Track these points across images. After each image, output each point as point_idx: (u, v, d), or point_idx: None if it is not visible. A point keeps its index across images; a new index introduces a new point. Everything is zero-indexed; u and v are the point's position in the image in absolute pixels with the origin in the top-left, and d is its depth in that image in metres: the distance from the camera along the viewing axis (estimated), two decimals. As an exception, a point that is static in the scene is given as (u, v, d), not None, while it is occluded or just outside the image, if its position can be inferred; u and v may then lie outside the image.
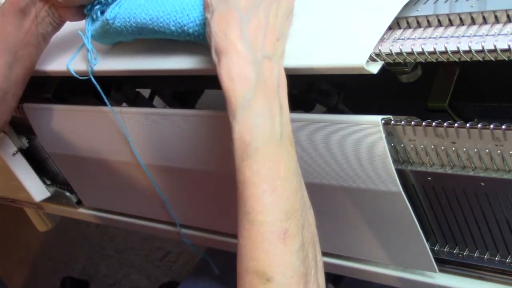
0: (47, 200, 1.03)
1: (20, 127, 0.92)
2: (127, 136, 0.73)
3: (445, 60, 0.49)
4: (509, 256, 0.57)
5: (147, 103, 0.93)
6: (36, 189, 1.01)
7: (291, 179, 0.48)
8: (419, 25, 0.52)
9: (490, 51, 0.46)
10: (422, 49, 0.49)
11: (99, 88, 0.68)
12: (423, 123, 0.52)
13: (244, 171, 0.48)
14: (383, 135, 0.53)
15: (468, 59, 0.48)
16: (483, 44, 0.46)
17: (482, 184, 0.53)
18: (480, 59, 0.47)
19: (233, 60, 0.49)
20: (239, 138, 0.48)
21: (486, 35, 0.47)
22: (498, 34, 0.46)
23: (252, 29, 0.50)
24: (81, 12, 0.68)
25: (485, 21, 0.48)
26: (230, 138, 0.49)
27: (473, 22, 0.49)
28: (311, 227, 0.50)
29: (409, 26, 0.52)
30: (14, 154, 0.95)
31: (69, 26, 0.73)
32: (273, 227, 0.46)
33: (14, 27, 0.67)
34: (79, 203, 1.00)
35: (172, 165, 0.73)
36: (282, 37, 0.53)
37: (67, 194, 1.00)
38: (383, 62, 0.51)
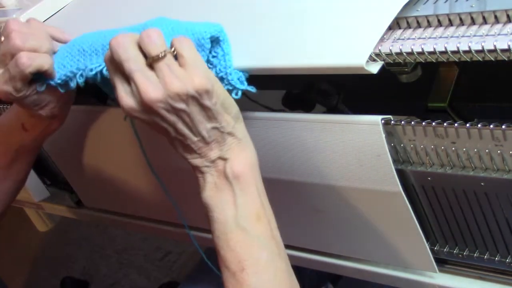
0: (47, 200, 1.03)
1: (20, 127, 0.92)
2: (137, 137, 0.73)
3: (445, 60, 0.49)
4: (509, 256, 0.57)
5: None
6: (36, 189, 1.01)
7: (258, 256, 0.53)
8: (419, 25, 0.52)
9: (490, 51, 0.46)
10: (422, 49, 0.49)
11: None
12: (423, 123, 0.52)
13: (216, 255, 0.55)
14: (383, 135, 0.53)
15: (468, 59, 0.48)
16: (483, 44, 0.46)
17: (482, 184, 0.53)
18: (480, 59, 0.47)
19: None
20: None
21: (486, 35, 0.47)
22: (498, 34, 0.46)
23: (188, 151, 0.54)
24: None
25: (485, 21, 0.48)
26: None
27: (473, 22, 0.49)
28: None
29: (409, 26, 0.52)
30: (14, 154, 0.95)
31: (69, 26, 0.73)
32: None
33: None
34: (79, 203, 1.00)
35: (171, 165, 0.73)
36: (222, 128, 0.53)
37: (67, 194, 1.00)
38: (383, 62, 0.51)
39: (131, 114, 0.51)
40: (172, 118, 0.51)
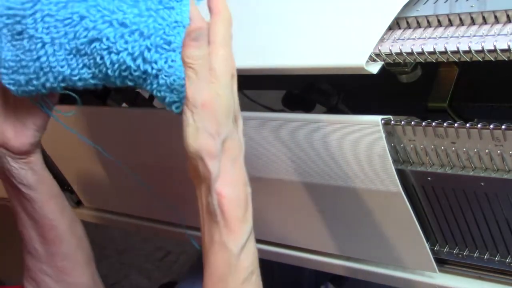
0: (47, 200, 1.03)
1: (20, 127, 0.92)
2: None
3: (445, 60, 0.49)
4: (509, 256, 0.57)
5: (147, 103, 0.93)
6: (36, 189, 1.01)
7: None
8: (419, 25, 0.52)
9: (489, 51, 0.46)
10: (422, 49, 0.49)
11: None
12: (423, 123, 0.52)
13: None
14: (383, 135, 0.53)
15: (468, 59, 0.48)
16: (482, 44, 0.46)
17: (482, 184, 0.53)
18: (480, 59, 0.47)
19: None
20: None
21: (486, 35, 0.47)
22: (498, 34, 0.46)
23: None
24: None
25: (485, 21, 0.48)
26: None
27: (473, 22, 0.49)
28: None
29: (409, 26, 0.52)
30: (14, 154, 0.95)
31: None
32: None
33: None
34: (79, 203, 1.00)
35: (172, 165, 0.73)
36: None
37: (67, 194, 1.00)
38: (383, 62, 0.51)
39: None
40: None
